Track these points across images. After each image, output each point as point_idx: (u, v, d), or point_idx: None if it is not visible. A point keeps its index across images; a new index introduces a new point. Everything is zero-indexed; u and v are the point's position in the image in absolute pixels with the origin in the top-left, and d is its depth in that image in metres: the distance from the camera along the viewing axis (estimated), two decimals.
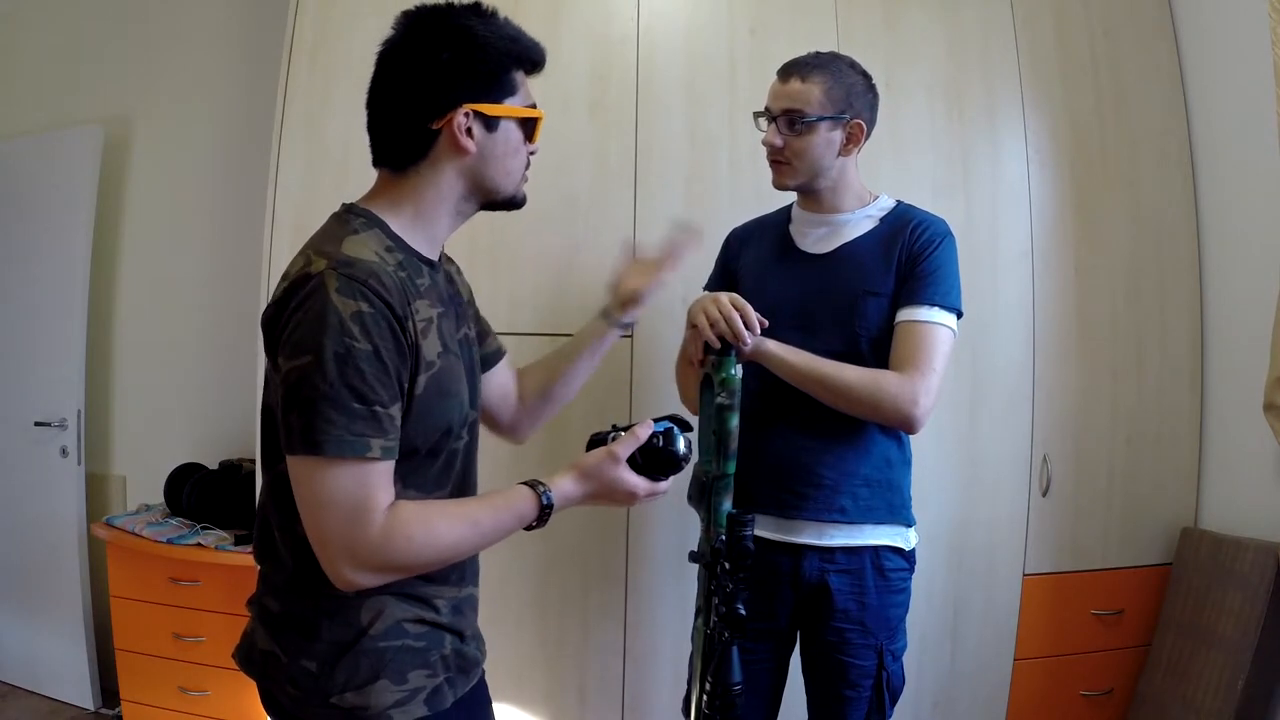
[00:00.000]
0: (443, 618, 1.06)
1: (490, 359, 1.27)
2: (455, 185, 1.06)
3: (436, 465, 1.05)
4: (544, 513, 1.03)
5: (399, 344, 0.94)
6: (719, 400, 1.21)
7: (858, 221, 1.52)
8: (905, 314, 1.44)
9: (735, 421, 1.19)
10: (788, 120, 1.46)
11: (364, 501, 0.92)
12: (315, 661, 0.99)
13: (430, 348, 0.99)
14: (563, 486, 1.05)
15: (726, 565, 1.13)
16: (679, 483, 1.90)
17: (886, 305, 1.46)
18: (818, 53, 1.50)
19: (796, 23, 2.13)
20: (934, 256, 1.45)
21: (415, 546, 0.95)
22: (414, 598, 1.03)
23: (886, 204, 1.55)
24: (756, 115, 1.53)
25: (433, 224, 1.07)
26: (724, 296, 1.37)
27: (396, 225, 1.04)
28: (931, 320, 1.42)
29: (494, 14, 1.07)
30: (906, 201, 1.57)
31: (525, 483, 1.04)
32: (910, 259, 1.45)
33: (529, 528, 1.04)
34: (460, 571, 1.09)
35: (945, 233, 1.48)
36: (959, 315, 1.46)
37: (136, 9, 2.95)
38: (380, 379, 0.92)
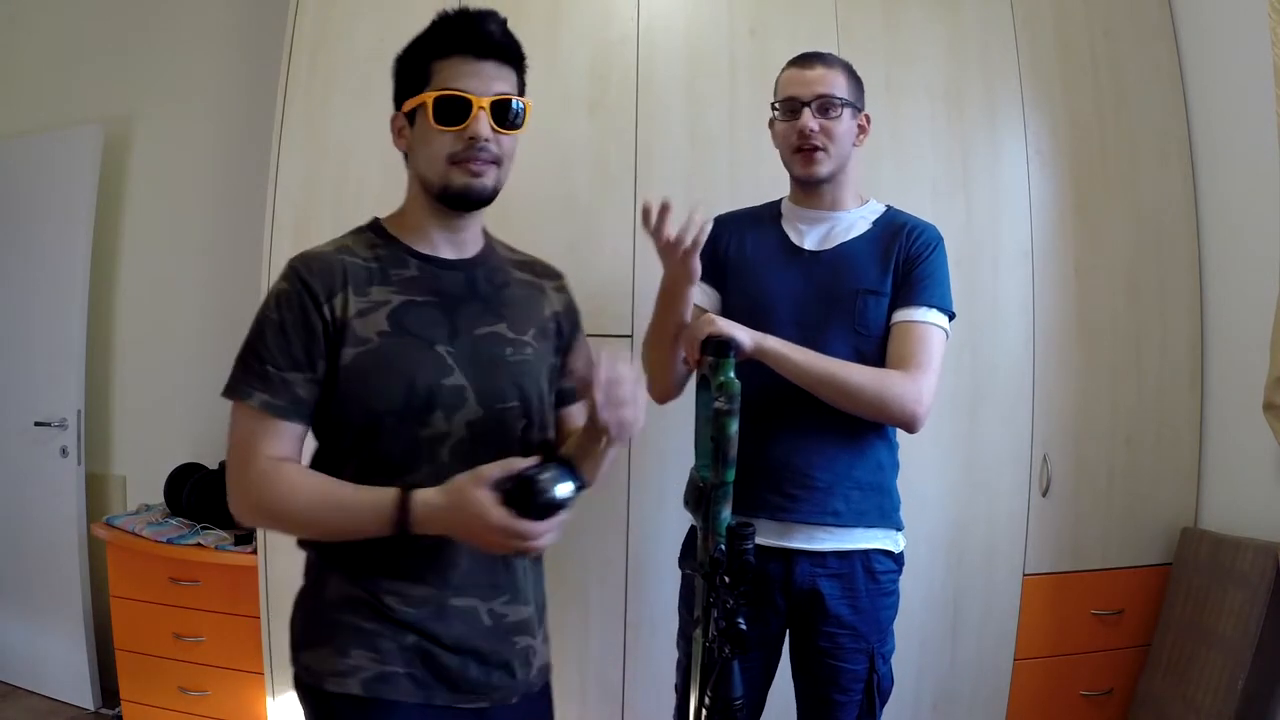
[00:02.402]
0: (398, 613, 1.07)
1: (560, 396, 1.26)
2: (415, 181, 1.16)
3: (403, 447, 1.07)
4: (401, 514, 0.99)
5: (308, 319, 1.06)
6: (717, 405, 1.16)
7: (854, 221, 1.53)
8: (902, 315, 1.45)
9: (735, 428, 1.15)
10: (821, 105, 1.47)
11: (249, 445, 1.08)
12: (300, 613, 1.14)
13: (367, 326, 1.07)
14: (426, 493, 1.00)
15: (726, 579, 1.11)
16: (673, 484, 1.91)
17: (886, 305, 1.47)
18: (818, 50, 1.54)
19: (796, 23, 2.13)
20: (930, 260, 1.48)
21: (275, 499, 1.06)
22: (366, 583, 1.08)
23: (878, 207, 1.57)
24: (780, 104, 1.51)
25: (416, 219, 1.16)
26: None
27: (394, 224, 1.17)
28: (928, 321, 1.44)
29: (451, 13, 1.11)
30: (895, 206, 1.59)
31: (405, 487, 1.02)
32: (908, 262, 1.47)
33: (400, 531, 1.00)
34: (439, 575, 1.08)
35: (939, 237, 1.52)
36: (951, 317, 1.49)
37: (136, 9, 2.95)
38: (279, 346, 1.07)
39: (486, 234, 1.24)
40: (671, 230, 1.25)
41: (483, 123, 1.08)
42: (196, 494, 2.43)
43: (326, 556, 1.11)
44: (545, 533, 0.97)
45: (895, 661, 1.52)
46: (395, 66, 1.15)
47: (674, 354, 1.42)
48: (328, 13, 2.07)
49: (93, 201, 2.76)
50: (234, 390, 1.10)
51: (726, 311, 1.48)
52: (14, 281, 2.90)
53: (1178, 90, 2.26)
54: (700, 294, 1.50)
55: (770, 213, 1.61)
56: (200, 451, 2.64)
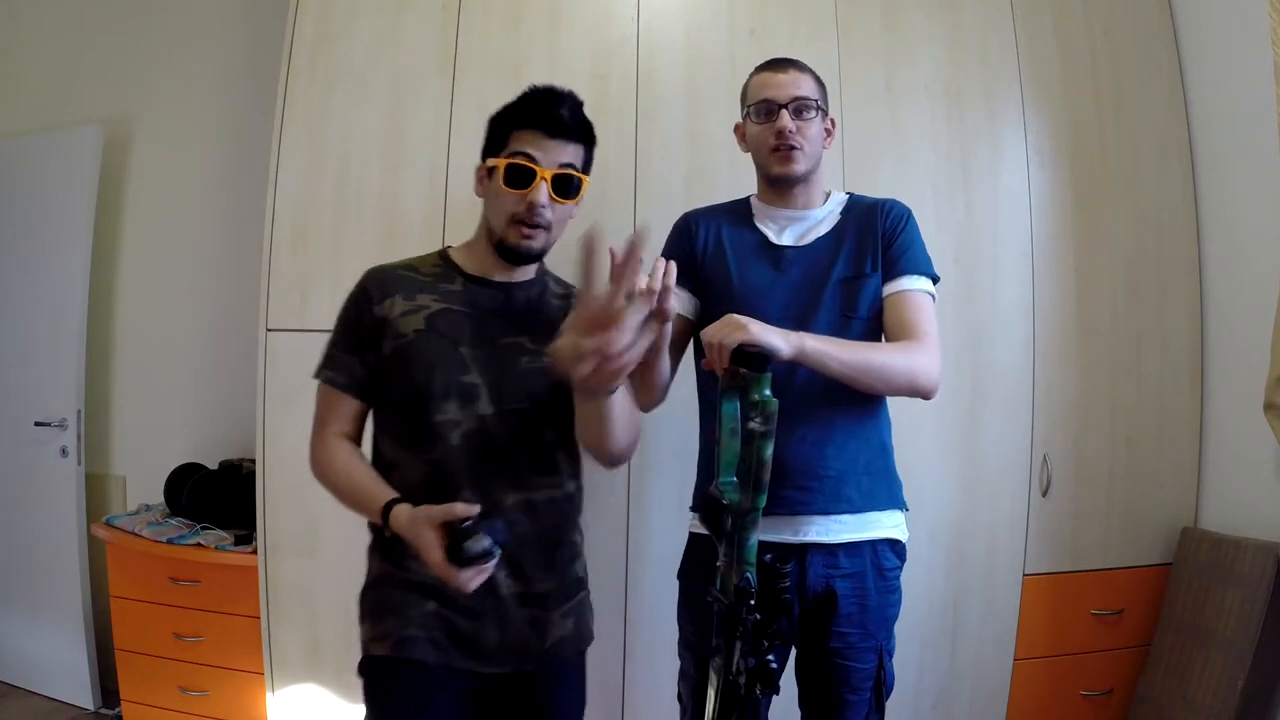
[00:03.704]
0: (420, 579, 1.24)
1: None
2: (484, 224, 1.35)
3: (412, 429, 1.27)
4: (384, 516, 1.20)
5: (359, 314, 1.32)
6: (752, 425, 1.08)
7: (824, 217, 1.56)
8: (891, 287, 1.49)
9: (770, 451, 1.08)
10: (796, 107, 1.50)
11: (320, 416, 1.33)
12: (360, 596, 1.34)
13: (405, 324, 1.29)
14: (401, 511, 1.19)
15: (757, 616, 1.04)
16: (673, 485, 1.90)
17: (873, 284, 1.49)
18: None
19: (796, 23, 2.13)
20: (906, 232, 1.52)
21: (322, 467, 1.30)
22: (398, 559, 1.27)
23: (841, 197, 1.60)
24: (754, 107, 1.53)
25: (477, 254, 1.36)
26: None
27: (459, 252, 1.39)
28: (918, 289, 1.48)
29: (536, 90, 1.29)
30: (856, 193, 1.62)
31: (398, 498, 1.21)
32: (886, 237, 1.51)
33: (382, 529, 1.21)
34: None
35: (908, 209, 1.56)
36: (935, 280, 1.52)
37: (136, 9, 2.95)
38: (342, 335, 1.33)
39: (542, 267, 1.42)
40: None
41: (542, 191, 1.26)
42: (196, 494, 2.43)
43: (375, 540, 1.33)
44: (461, 577, 1.11)
45: (895, 661, 1.51)
46: (487, 125, 1.34)
47: (656, 375, 1.36)
48: (328, 13, 2.07)
49: (93, 201, 2.76)
50: (317, 369, 1.34)
51: (708, 310, 1.48)
52: (14, 281, 2.90)
53: (1178, 90, 2.26)
54: (676, 301, 1.44)
55: (741, 210, 1.61)
56: (200, 451, 2.64)
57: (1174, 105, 2.26)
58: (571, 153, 1.30)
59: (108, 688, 2.70)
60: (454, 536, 1.10)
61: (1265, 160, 2.00)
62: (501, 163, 1.28)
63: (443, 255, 1.40)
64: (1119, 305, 2.20)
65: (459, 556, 1.09)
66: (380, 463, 1.32)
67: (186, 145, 2.87)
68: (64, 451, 2.76)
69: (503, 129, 1.31)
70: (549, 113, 1.27)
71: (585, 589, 1.42)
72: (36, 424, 2.78)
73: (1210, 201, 2.22)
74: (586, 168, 1.35)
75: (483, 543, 1.10)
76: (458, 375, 1.27)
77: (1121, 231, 2.21)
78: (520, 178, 1.26)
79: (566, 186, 1.29)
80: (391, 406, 1.31)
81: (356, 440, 1.35)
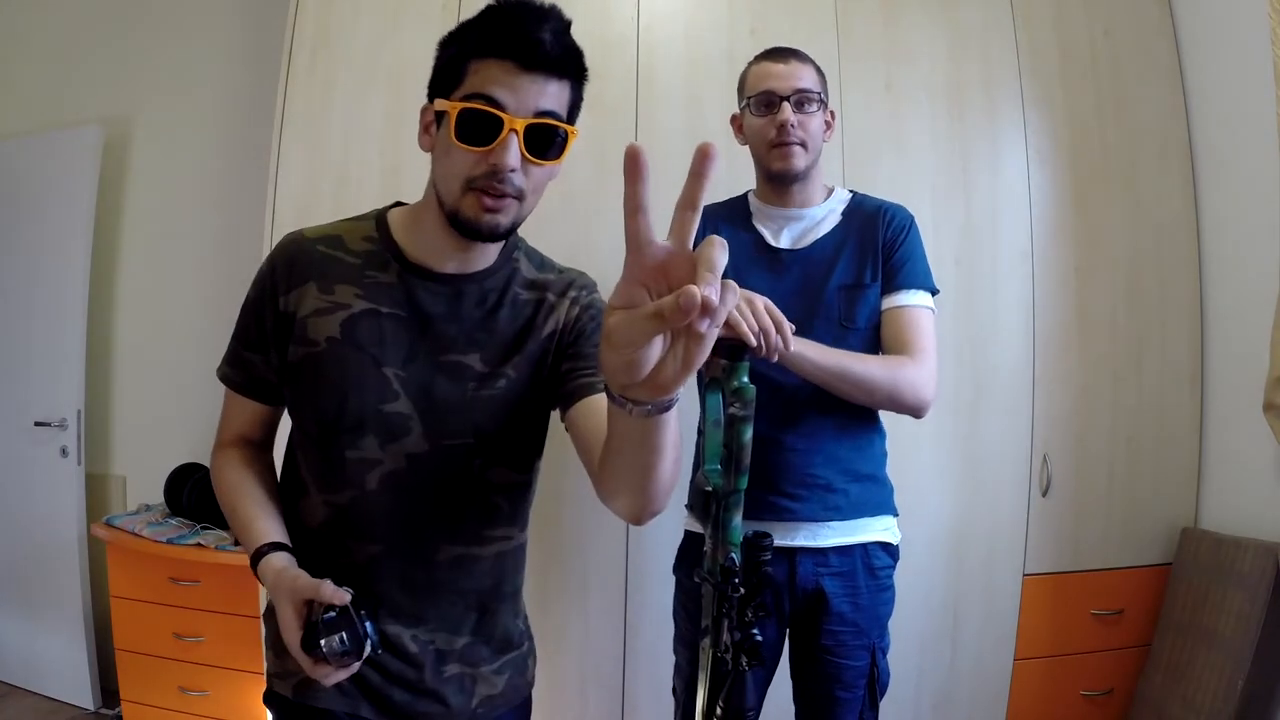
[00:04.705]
0: None
1: (575, 393, 1.04)
2: (432, 188, 1.01)
3: (327, 463, 1.02)
4: (254, 565, 0.98)
5: (261, 305, 1.04)
6: (732, 411, 1.12)
7: (824, 216, 1.53)
8: (890, 301, 1.47)
9: (749, 434, 1.14)
10: (798, 100, 1.46)
11: (222, 418, 1.11)
12: (264, 613, 1.07)
13: (316, 328, 1.01)
14: (271, 564, 0.96)
15: (742, 590, 1.10)
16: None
17: (871, 294, 1.47)
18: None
19: (796, 23, 2.13)
20: (907, 243, 1.49)
21: (215, 484, 1.09)
22: None
23: (844, 195, 1.57)
24: (754, 99, 1.49)
25: (423, 226, 1.02)
26: (759, 300, 1.28)
27: (401, 219, 1.06)
28: (916, 304, 1.46)
29: (511, 3, 0.93)
30: (860, 192, 1.59)
31: (275, 543, 0.98)
32: (886, 248, 1.48)
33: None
34: (365, 599, 0.97)
35: (910, 217, 1.53)
36: (935, 293, 1.50)
37: (136, 9, 2.95)
38: (247, 323, 1.06)
39: (514, 240, 1.09)
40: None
41: (512, 149, 0.91)
42: (196, 494, 2.43)
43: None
44: (316, 670, 0.90)
45: (895, 662, 1.52)
46: (436, 50, 0.98)
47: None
48: (328, 13, 2.07)
49: (93, 201, 2.77)
50: (220, 363, 1.11)
51: None
52: (14, 281, 2.90)
53: (1178, 90, 2.27)
54: None
55: (740, 210, 1.59)
56: (200, 451, 2.63)
57: (1174, 105, 2.26)
58: (554, 93, 0.93)
59: (108, 688, 2.70)
60: (311, 625, 0.91)
61: (1265, 160, 2.00)
62: (454, 107, 0.92)
63: (380, 224, 1.06)
64: (1119, 305, 2.20)
65: (313, 649, 0.90)
66: (293, 477, 1.09)
67: (186, 145, 2.87)
68: (64, 451, 2.76)
69: (458, 58, 0.94)
70: (524, 35, 0.90)
71: (527, 640, 1.18)
72: (36, 424, 2.78)
73: (1210, 201, 2.22)
74: (573, 114, 0.98)
75: (336, 645, 0.90)
76: (379, 403, 0.99)
77: (1121, 231, 2.21)
78: (480, 129, 0.91)
79: (547, 142, 0.94)
80: (301, 426, 1.06)
81: (267, 442, 1.14)
